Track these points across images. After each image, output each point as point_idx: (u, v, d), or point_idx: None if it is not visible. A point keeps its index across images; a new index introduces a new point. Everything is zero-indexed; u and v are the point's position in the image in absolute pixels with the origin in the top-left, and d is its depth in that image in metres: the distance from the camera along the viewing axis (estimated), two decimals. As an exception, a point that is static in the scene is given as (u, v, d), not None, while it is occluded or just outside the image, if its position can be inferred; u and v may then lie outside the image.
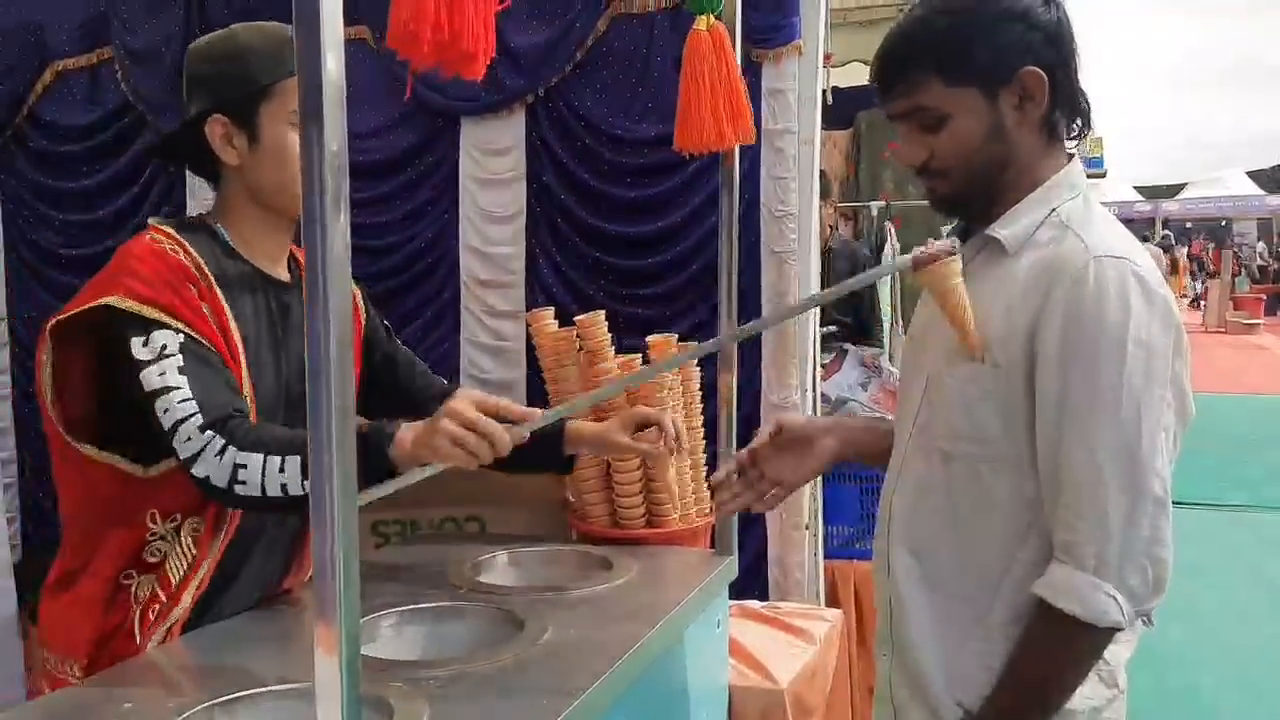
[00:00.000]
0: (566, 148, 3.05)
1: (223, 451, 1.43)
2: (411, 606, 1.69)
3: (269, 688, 1.35)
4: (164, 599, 1.58)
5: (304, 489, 1.42)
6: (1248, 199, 28.43)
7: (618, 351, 2.20)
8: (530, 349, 2.81)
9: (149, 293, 1.50)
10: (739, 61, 2.02)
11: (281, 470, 1.42)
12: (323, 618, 0.96)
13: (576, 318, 2.18)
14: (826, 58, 3.17)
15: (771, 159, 2.81)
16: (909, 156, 1.41)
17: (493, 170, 3.11)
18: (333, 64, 0.91)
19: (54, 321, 1.56)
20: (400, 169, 3.18)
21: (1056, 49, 1.34)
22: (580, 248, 3.06)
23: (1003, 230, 1.36)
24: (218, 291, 1.58)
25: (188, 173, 3.36)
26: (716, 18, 1.86)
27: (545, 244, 3.10)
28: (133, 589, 1.58)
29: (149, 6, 3.36)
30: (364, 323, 1.89)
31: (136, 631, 1.56)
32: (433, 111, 3.11)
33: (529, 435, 1.49)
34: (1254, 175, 28.19)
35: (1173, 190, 30.03)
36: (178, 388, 1.46)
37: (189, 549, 1.59)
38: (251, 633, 1.61)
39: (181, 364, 1.47)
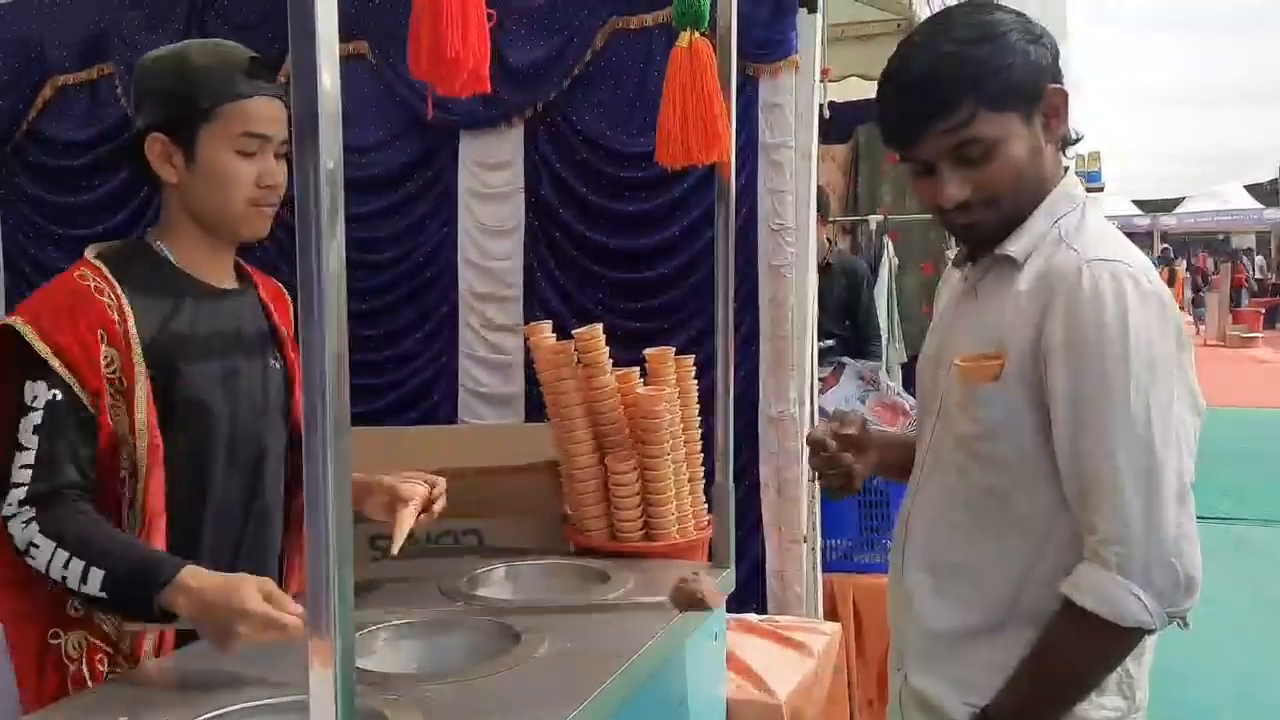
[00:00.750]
0: (565, 162, 3.06)
1: (28, 524, 1.49)
2: (408, 620, 1.69)
3: (262, 701, 1.35)
4: (109, 651, 1.57)
5: (80, 589, 1.47)
6: (1245, 212, 28.51)
7: (616, 365, 2.20)
8: (529, 362, 2.81)
9: (52, 331, 1.53)
10: (735, 76, 2.04)
11: (65, 566, 1.47)
12: (317, 632, 0.96)
13: (575, 331, 2.19)
14: (824, 72, 3.19)
15: (769, 173, 2.82)
16: (950, 195, 1.37)
17: (491, 184, 3.12)
18: (328, 79, 0.92)
19: None
20: (399, 183, 3.19)
21: (1058, 65, 1.37)
22: (578, 261, 3.07)
23: (1012, 247, 1.38)
24: (131, 334, 1.57)
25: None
26: (702, 34, 1.87)
27: (543, 258, 3.11)
28: (61, 650, 1.57)
29: (149, 22, 3.38)
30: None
31: (96, 680, 1.56)
32: (431, 126, 3.12)
33: None
34: (1252, 189, 28.26)
35: (1170, 204, 30.10)
36: (28, 449, 1.51)
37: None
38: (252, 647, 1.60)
39: (39, 422, 1.51)
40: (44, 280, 3.56)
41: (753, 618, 2.51)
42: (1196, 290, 22.83)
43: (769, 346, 2.85)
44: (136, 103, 1.68)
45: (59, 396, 1.52)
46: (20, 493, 1.50)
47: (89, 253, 1.65)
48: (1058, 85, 1.35)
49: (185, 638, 1.59)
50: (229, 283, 1.74)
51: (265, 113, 1.64)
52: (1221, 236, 30.54)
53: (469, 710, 1.35)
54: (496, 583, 1.98)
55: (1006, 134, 1.34)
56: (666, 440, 2.12)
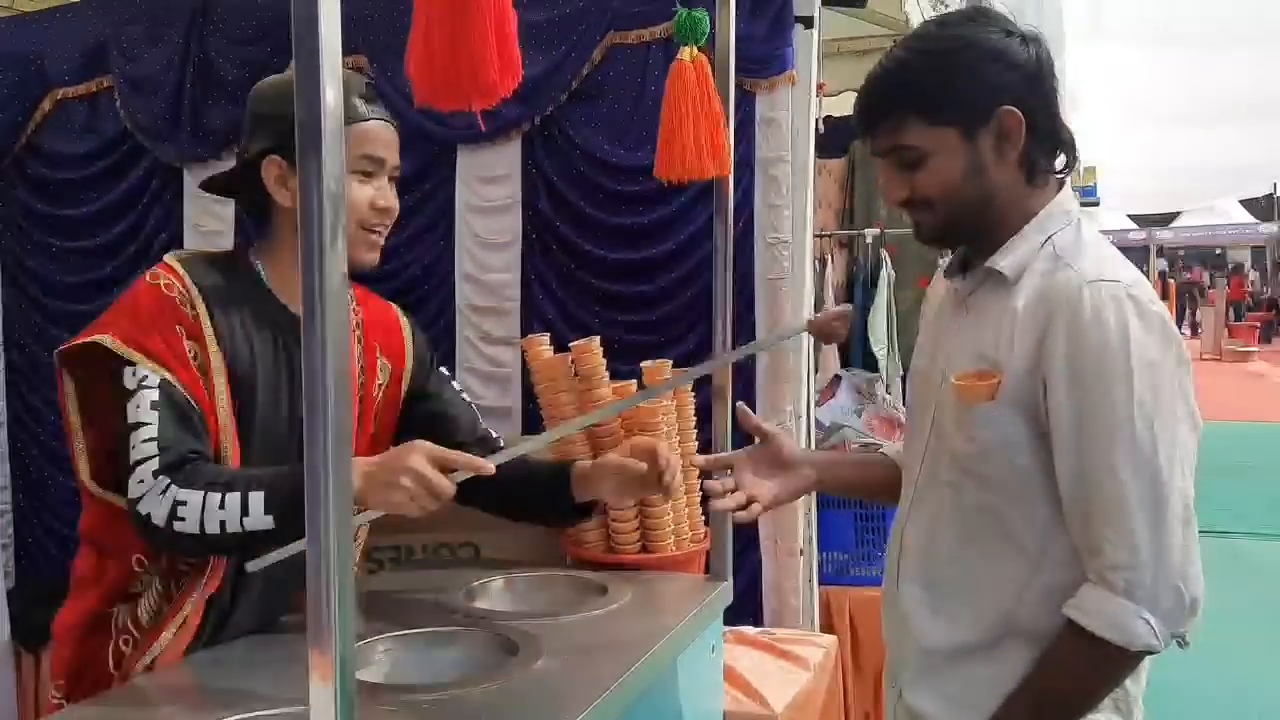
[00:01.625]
0: (562, 175, 3.07)
1: (166, 490, 1.47)
2: (405, 632, 1.69)
3: (263, 712, 1.35)
4: (136, 635, 1.60)
5: (242, 526, 1.45)
6: (1241, 227, 28.60)
7: (612, 378, 2.21)
8: (526, 375, 2.82)
9: (140, 337, 1.55)
10: (733, 91, 2.05)
11: (221, 507, 1.45)
12: (318, 645, 0.96)
13: (571, 344, 2.20)
14: (820, 87, 3.20)
15: (766, 187, 2.83)
16: (892, 193, 1.43)
17: (489, 198, 3.13)
18: (331, 95, 0.93)
19: (60, 351, 1.60)
20: (397, 196, 3.20)
21: (1034, 87, 1.36)
22: (576, 274, 3.08)
23: (1002, 261, 1.38)
24: (207, 324, 1.59)
25: (185, 202, 3.39)
26: (700, 49, 1.88)
27: (541, 271, 3.12)
28: (113, 619, 1.61)
29: (148, 36, 3.39)
30: (408, 365, 1.88)
31: (112, 664, 1.59)
32: (429, 139, 3.13)
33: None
34: (1247, 203, 28.36)
35: (1166, 219, 30.19)
36: (148, 424, 1.50)
37: (156, 585, 1.61)
38: (247, 657, 1.61)
39: (155, 399, 1.52)
40: (43, 293, 3.59)
41: (749, 630, 2.51)
42: (1187, 305, 22.86)
43: (766, 359, 2.85)
44: (250, 127, 1.70)
45: (162, 380, 1.53)
46: (151, 464, 1.49)
47: (168, 257, 1.67)
48: (1012, 108, 1.34)
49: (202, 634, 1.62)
50: None
51: (382, 136, 1.67)
52: (1218, 251, 30.62)
53: (466, 722, 1.35)
54: (494, 595, 1.98)
55: (938, 148, 1.36)
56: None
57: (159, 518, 1.46)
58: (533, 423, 2.93)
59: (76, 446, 1.63)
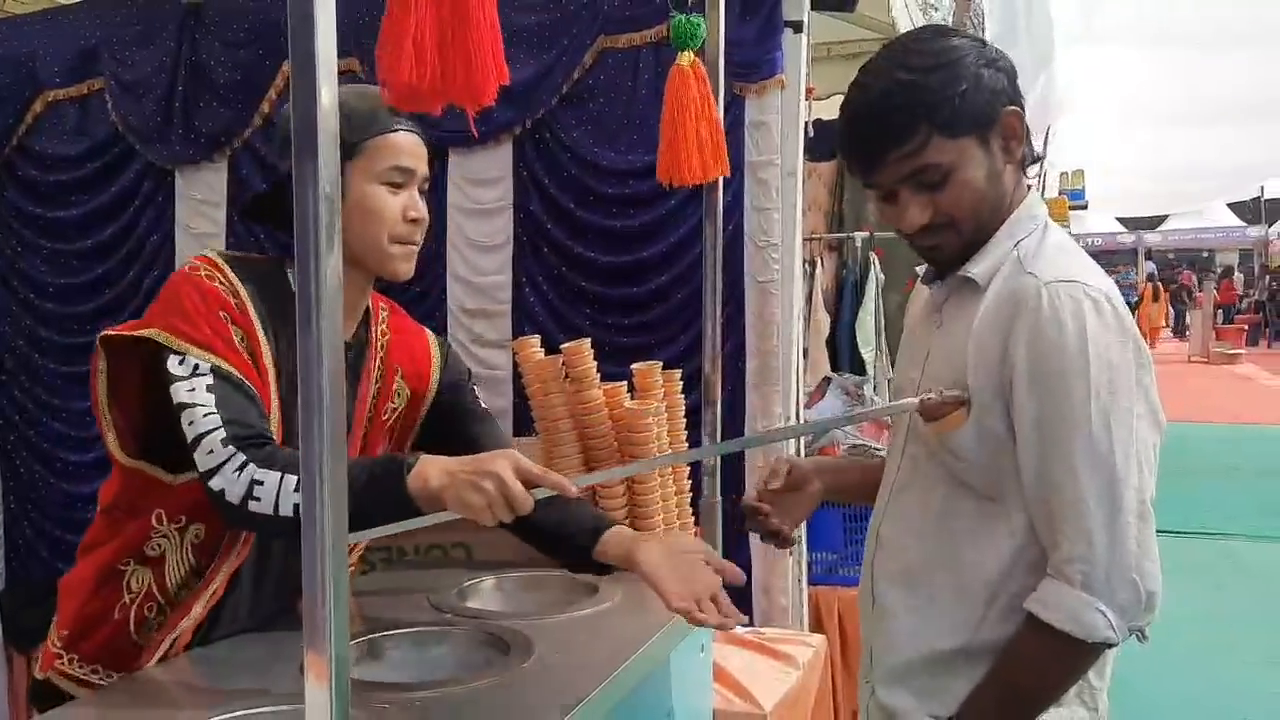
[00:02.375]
0: (554, 178, 3.09)
1: (242, 468, 1.45)
2: (398, 630, 1.70)
3: (261, 709, 1.36)
4: (161, 602, 1.61)
5: None
6: (1228, 230, 28.74)
7: (603, 379, 2.22)
8: (517, 377, 2.83)
9: (188, 329, 1.54)
10: (723, 95, 2.07)
11: (297, 489, 1.42)
12: (313, 646, 0.97)
13: (562, 345, 2.21)
14: (809, 91, 3.23)
15: (755, 190, 2.85)
16: (912, 220, 1.39)
17: (480, 200, 3.14)
18: (327, 99, 0.94)
19: (105, 335, 1.60)
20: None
21: (1016, 88, 1.39)
22: (567, 277, 3.09)
23: (974, 269, 1.40)
24: (253, 318, 1.59)
25: (177, 205, 3.40)
26: (696, 53, 1.90)
27: (532, 273, 3.13)
28: (125, 577, 1.62)
29: (140, 38, 3.40)
30: (430, 390, 1.86)
31: (132, 628, 1.60)
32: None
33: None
34: (1234, 207, 28.50)
35: (1154, 221, 30.31)
36: (204, 404, 1.48)
37: (188, 556, 1.62)
38: (247, 654, 1.62)
39: (210, 383, 1.50)
40: (34, 295, 3.59)
41: (739, 629, 2.53)
42: (1179, 306, 22.95)
43: (755, 362, 2.88)
44: (283, 145, 1.69)
45: (216, 365, 1.52)
46: (218, 434, 1.46)
47: (207, 252, 1.66)
48: (1014, 108, 1.37)
49: (203, 635, 1.64)
50: (347, 335, 1.71)
51: (411, 147, 1.67)
52: (1206, 253, 30.76)
53: (458, 719, 1.37)
54: (485, 594, 2.00)
55: (963, 159, 1.36)
56: (653, 454, 2.14)
57: (234, 495, 1.44)
58: (524, 424, 2.94)
59: (104, 421, 1.62)
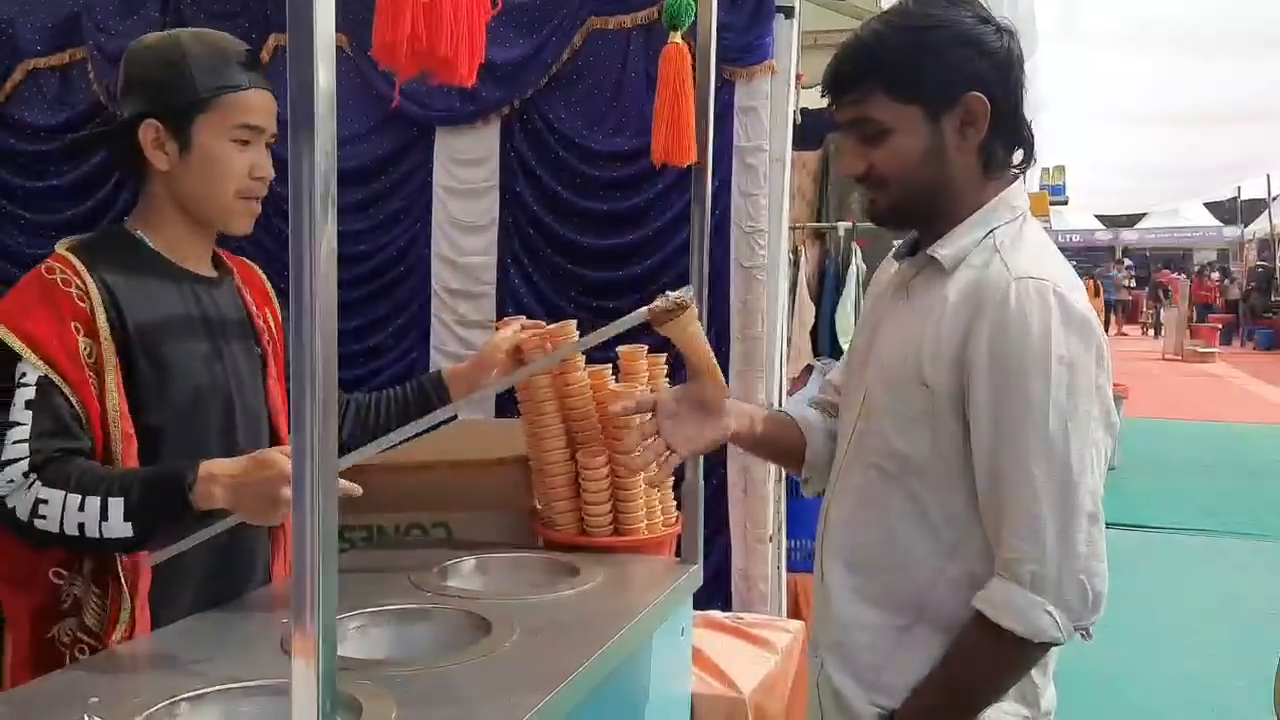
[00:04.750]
0: (540, 160, 3.08)
1: (30, 487, 1.46)
2: (379, 608, 1.70)
3: (237, 684, 1.36)
4: (90, 642, 1.57)
5: (100, 532, 1.45)
6: (1204, 229, 28.97)
7: (587, 362, 2.21)
8: (500, 358, 2.82)
9: (31, 329, 1.53)
10: (713, 79, 2.07)
11: (80, 509, 1.45)
12: (300, 624, 0.97)
13: (548, 326, 2.20)
14: (798, 78, 3.23)
15: (743, 176, 2.86)
16: (850, 166, 1.43)
17: (466, 180, 3.13)
18: (324, 77, 0.93)
19: None
20: (374, 177, 3.20)
21: (1002, 78, 1.37)
22: (552, 259, 3.09)
23: (942, 250, 1.39)
24: (102, 317, 1.56)
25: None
26: (684, 35, 1.90)
27: (517, 255, 3.12)
28: (56, 638, 1.58)
29: (123, 7, 3.36)
30: (278, 306, 1.87)
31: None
32: (407, 120, 3.13)
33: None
34: (1211, 206, 28.72)
35: (1132, 219, 30.51)
36: (21, 424, 1.49)
37: (96, 596, 1.58)
38: (220, 630, 1.61)
39: (31, 398, 1.50)
40: (12, 266, 3.55)
41: (718, 614, 2.54)
42: (1156, 304, 23.11)
43: (739, 347, 2.88)
44: (125, 89, 1.68)
45: (48, 376, 1.52)
46: (19, 466, 1.48)
47: (59, 246, 1.64)
48: (978, 94, 1.35)
49: (156, 623, 1.60)
50: (208, 270, 1.74)
51: (260, 105, 1.66)
52: (1182, 253, 31.01)
53: (440, 697, 1.36)
54: (466, 574, 1.99)
55: (903, 124, 1.36)
56: (637, 437, 2.14)
57: (22, 514, 1.46)
58: (506, 406, 2.94)
59: None
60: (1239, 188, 24.37)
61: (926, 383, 1.34)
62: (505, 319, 2.30)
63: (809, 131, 4.28)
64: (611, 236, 3.03)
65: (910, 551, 1.38)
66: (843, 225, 4.79)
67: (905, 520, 1.38)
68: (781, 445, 1.67)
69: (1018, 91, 1.39)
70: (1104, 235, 29.79)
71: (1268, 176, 21.85)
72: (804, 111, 3.99)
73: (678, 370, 2.32)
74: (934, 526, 1.37)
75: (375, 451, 1.71)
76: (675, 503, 2.28)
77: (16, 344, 1.52)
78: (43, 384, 1.51)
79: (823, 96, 1.45)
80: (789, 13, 2.84)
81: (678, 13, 1.88)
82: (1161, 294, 22.68)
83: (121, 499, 1.45)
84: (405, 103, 3.06)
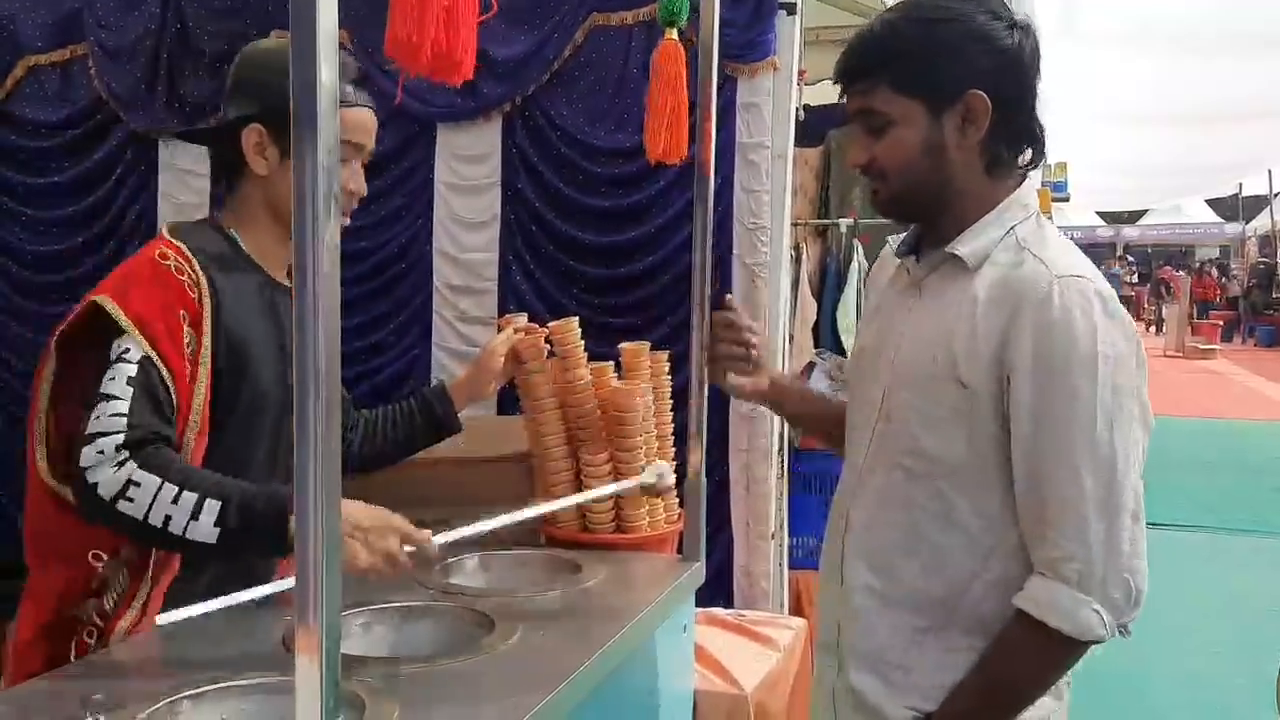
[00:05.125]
0: (542, 156, 3.07)
1: (122, 464, 1.42)
2: (382, 605, 1.70)
3: (239, 682, 1.36)
4: (100, 625, 1.57)
5: (185, 530, 1.42)
6: (1206, 226, 28.95)
7: (589, 359, 2.21)
8: (502, 355, 2.82)
9: (140, 309, 1.53)
10: (715, 75, 2.06)
11: (174, 501, 1.42)
12: (303, 621, 0.96)
13: (550, 324, 2.20)
14: (800, 74, 3.22)
15: (745, 172, 2.85)
16: (855, 156, 1.44)
17: (468, 177, 3.13)
18: (326, 75, 0.93)
19: (58, 333, 1.58)
20: (375, 173, 3.18)
21: (1012, 76, 1.36)
22: (554, 256, 3.08)
23: (963, 248, 1.38)
24: (209, 312, 1.58)
25: (160, 175, 3.36)
26: (682, 33, 1.90)
27: (519, 251, 3.12)
28: (76, 615, 1.58)
29: (124, 3, 3.36)
30: None
31: (73, 655, 1.56)
32: (409, 117, 3.12)
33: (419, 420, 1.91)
34: (1213, 203, 28.69)
35: (1134, 216, 30.48)
36: (119, 399, 1.47)
37: (122, 579, 1.58)
38: (222, 627, 1.60)
39: (133, 375, 1.49)
40: (13, 262, 3.54)
41: (720, 612, 2.54)
42: (1159, 301, 23.11)
43: (741, 344, 2.87)
44: (233, 89, 1.69)
45: (151, 358, 1.50)
46: (114, 439, 1.43)
47: (165, 230, 1.66)
48: (981, 93, 1.34)
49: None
50: (285, 278, 1.74)
51: (362, 123, 1.68)
52: (1183, 249, 30.99)
53: (443, 695, 1.36)
54: (469, 572, 1.99)
55: (904, 117, 1.36)
56: (640, 434, 2.14)
57: (106, 491, 1.42)
58: (507, 403, 2.93)
59: (38, 434, 1.59)
60: (1240, 184, 24.35)
61: (963, 381, 1.33)
62: (507, 316, 2.30)
63: (811, 128, 4.28)
64: (613, 233, 3.02)
65: (940, 553, 1.37)
66: (844, 222, 4.78)
67: (934, 521, 1.37)
68: (827, 419, 1.71)
69: (1029, 91, 1.38)
70: (1105, 232, 29.77)
71: (1269, 173, 21.84)
72: (806, 108, 3.99)
73: (679, 367, 2.32)
74: (965, 528, 1.35)
75: (474, 532, 1.70)
76: (677, 500, 2.28)
77: (124, 319, 1.51)
78: (145, 364, 1.49)
79: (834, 85, 1.45)
80: (791, 9, 2.84)
81: (673, 10, 1.88)
82: (1164, 290, 22.66)
83: (219, 504, 1.41)
84: (407, 99, 3.05)
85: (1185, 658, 4.51)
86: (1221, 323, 20.40)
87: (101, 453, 1.43)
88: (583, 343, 2.18)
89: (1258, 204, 24.56)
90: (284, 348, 1.69)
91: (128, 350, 1.50)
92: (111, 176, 3.43)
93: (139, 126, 3.35)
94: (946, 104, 1.35)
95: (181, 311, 1.55)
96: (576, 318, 2.21)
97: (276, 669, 1.35)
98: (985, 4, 1.37)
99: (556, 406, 2.17)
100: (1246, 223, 25.76)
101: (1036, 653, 1.31)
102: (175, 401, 1.53)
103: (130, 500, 1.41)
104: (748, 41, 2.80)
